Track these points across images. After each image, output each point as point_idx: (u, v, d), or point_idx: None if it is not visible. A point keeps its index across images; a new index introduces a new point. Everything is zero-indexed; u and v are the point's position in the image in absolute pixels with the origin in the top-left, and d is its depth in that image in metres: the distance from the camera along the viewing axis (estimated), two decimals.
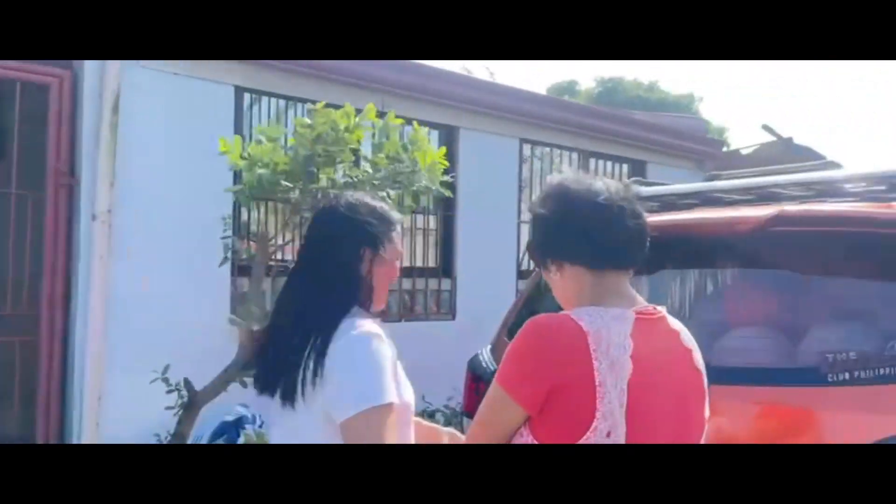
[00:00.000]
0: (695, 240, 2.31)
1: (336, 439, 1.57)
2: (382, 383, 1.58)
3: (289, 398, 1.62)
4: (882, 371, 1.90)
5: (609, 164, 7.95)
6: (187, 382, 3.83)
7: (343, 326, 1.64)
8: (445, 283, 6.18)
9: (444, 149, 3.95)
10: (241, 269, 4.84)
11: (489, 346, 2.92)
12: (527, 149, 7.01)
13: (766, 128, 9.41)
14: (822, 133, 60.15)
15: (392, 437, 1.56)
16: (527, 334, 1.41)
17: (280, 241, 4.12)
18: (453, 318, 6.19)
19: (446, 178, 3.90)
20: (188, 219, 4.67)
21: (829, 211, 2.21)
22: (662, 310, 1.49)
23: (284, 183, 3.40)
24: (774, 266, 2.22)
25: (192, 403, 3.88)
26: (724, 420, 2.06)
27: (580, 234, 1.47)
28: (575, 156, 7.55)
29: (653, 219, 2.54)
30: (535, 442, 1.38)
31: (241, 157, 3.40)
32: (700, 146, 8.92)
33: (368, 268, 1.73)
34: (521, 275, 6.89)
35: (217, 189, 4.17)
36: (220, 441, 4.10)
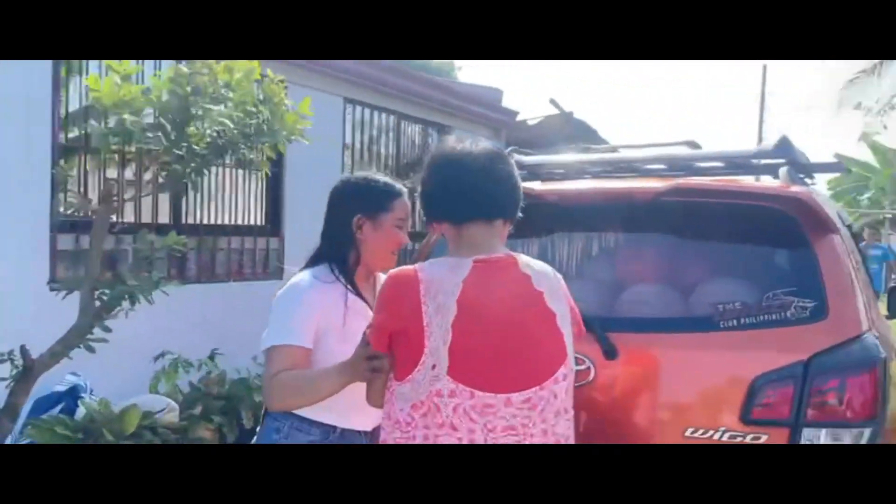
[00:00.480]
0: (597, 207, 2.59)
1: None
2: (272, 330, 1.92)
3: None
4: (761, 318, 2.32)
5: (420, 127, 8.21)
6: (24, 350, 3.44)
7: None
8: (274, 243, 6.05)
9: (307, 99, 3.87)
10: (70, 227, 4.38)
11: None
12: (350, 110, 7.01)
13: (553, 102, 10.27)
14: (600, 111, 67.81)
15: (265, 375, 1.89)
16: (382, 285, 1.72)
17: (125, 197, 3.81)
18: (281, 278, 6.07)
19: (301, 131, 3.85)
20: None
21: (716, 184, 2.61)
22: (520, 257, 1.70)
23: (156, 133, 3.16)
24: (668, 231, 2.57)
25: (27, 373, 3.49)
26: (633, 360, 2.38)
27: (439, 192, 1.70)
28: (393, 118, 7.69)
29: (554, 187, 2.81)
30: (395, 381, 1.65)
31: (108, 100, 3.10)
32: (498, 115, 9.48)
33: (365, 232, 2.03)
34: None
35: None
36: (56, 411, 3.74)
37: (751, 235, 2.47)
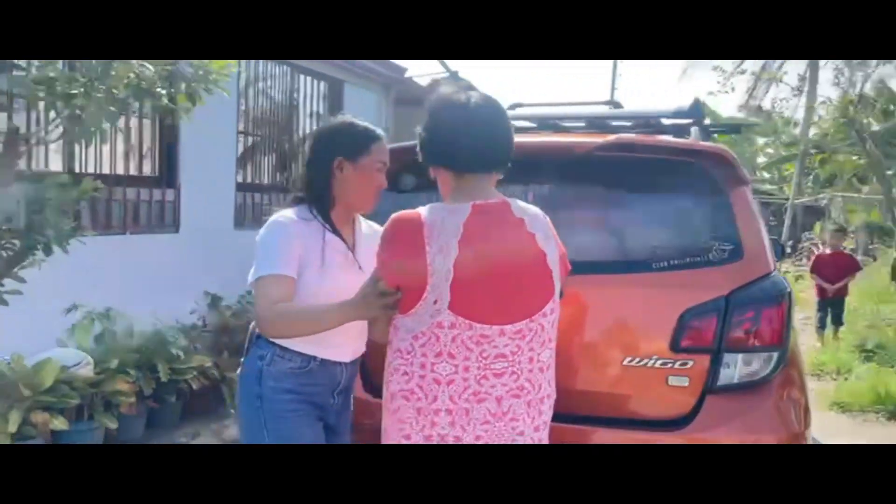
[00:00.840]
0: (541, 159, 2.77)
1: None
2: (260, 262, 2.00)
3: None
4: (687, 260, 2.60)
5: (313, 80, 8.10)
6: None
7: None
8: (170, 194, 5.84)
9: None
10: None
11: None
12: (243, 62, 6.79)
13: (442, 63, 10.45)
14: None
15: (262, 305, 1.95)
16: (386, 227, 1.80)
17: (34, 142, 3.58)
18: (177, 230, 5.90)
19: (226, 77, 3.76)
20: None
21: (648, 140, 2.86)
22: (514, 202, 1.88)
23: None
24: (605, 182, 2.80)
25: None
26: (578, 299, 2.61)
27: (446, 140, 1.83)
28: (288, 69, 7.55)
29: None
30: (399, 314, 1.78)
31: None
32: (389, 72, 9.48)
33: (346, 173, 2.11)
34: (240, 187, 6.78)
35: None
36: None
37: (677, 186, 2.74)
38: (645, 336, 2.59)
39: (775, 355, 2.53)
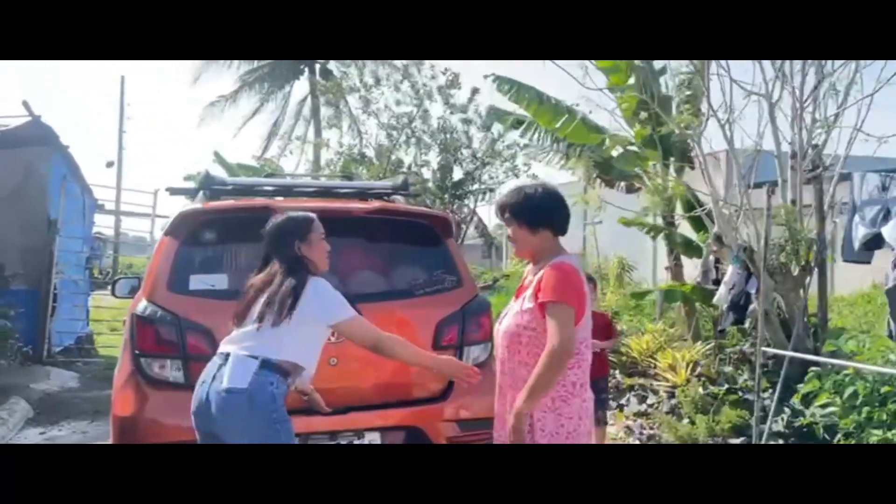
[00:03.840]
0: (326, 219, 3.78)
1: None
2: (341, 305, 3.03)
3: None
4: (434, 287, 3.89)
5: None
6: None
7: None
8: None
9: None
10: None
11: (145, 299, 3.54)
12: None
13: (25, 104, 10.03)
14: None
15: (377, 335, 3.14)
16: (566, 271, 2.69)
17: None
18: None
19: None
20: None
21: (400, 207, 4.07)
22: None
23: None
24: (373, 236, 3.92)
25: None
26: (370, 319, 3.66)
27: (556, 212, 2.82)
28: None
29: (290, 203, 3.86)
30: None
31: None
32: None
33: (304, 251, 3.07)
34: None
35: None
36: None
37: (420, 238, 4.03)
38: (416, 341, 3.77)
39: (489, 345, 3.98)
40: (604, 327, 5.07)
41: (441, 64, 12.54)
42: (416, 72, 12.30)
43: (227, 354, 2.87)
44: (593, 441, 3.08)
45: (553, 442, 2.68)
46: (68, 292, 10.78)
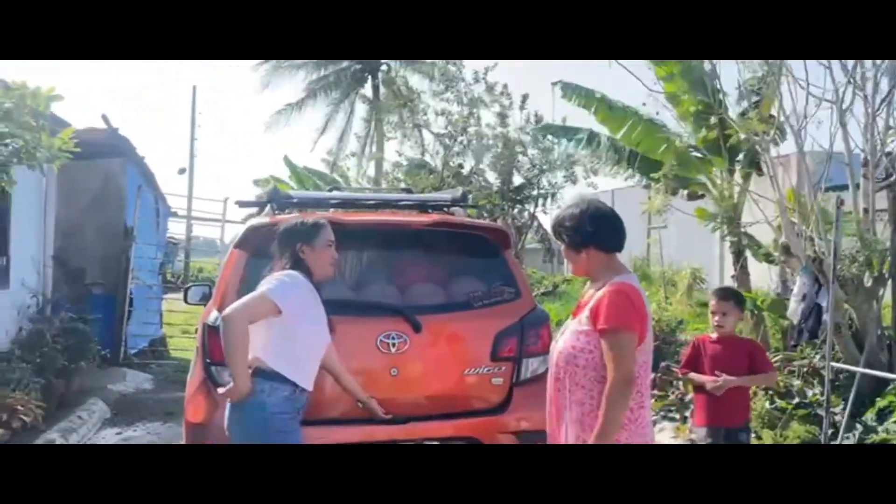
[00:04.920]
0: (387, 232, 3.88)
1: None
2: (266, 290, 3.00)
3: None
4: (493, 300, 3.93)
5: None
6: None
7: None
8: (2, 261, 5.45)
9: (69, 129, 4.05)
10: None
11: (216, 310, 3.68)
12: None
13: (104, 117, 10.46)
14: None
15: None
16: (624, 293, 2.59)
17: None
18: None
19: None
20: None
21: (460, 220, 4.14)
22: None
23: None
24: (433, 248, 3.99)
25: None
26: (429, 331, 3.72)
27: (599, 232, 2.72)
28: None
29: (359, 218, 3.97)
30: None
31: None
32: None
33: (307, 254, 3.13)
34: None
35: None
36: None
37: (476, 250, 4.08)
38: (475, 353, 3.83)
39: (546, 358, 3.99)
40: (746, 355, 3.95)
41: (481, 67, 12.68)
42: (460, 76, 12.49)
43: None
44: None
45: None
46: (143, 297, 11.22)
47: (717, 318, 3.99)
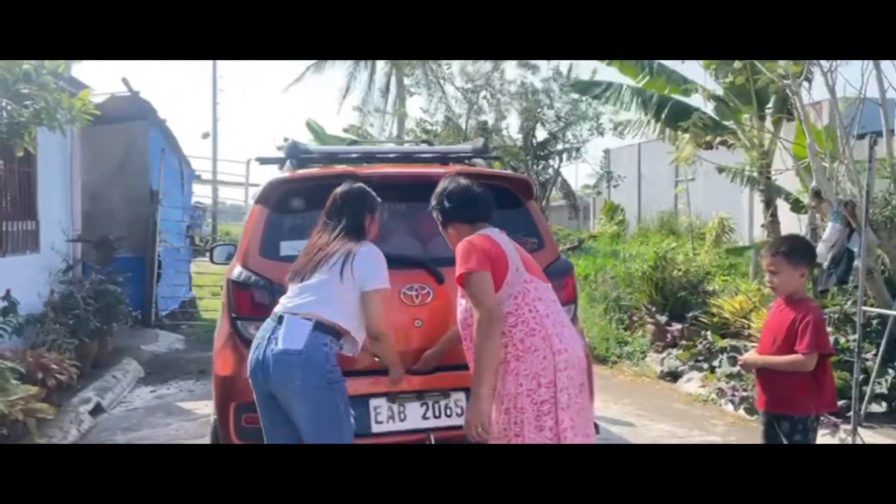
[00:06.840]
0: (408, 184, 3.83)
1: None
2: (378, 274, 3.12)
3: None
4: None
5: None
6: None
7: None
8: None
9: (87, 91, 4.05)
10: None
11: (239, 265, 3.70)
12: None
13: (125, 81, 10.46)
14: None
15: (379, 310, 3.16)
16: (469, 242, 2.97)
17: None
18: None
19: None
20: None
21: (481, 170, 4.08)
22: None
23: None
24: None
25: None
26: (451, 282, 3.71)
27: (462, 206, 3.10)
28: None
29: (376, 170, 3.93)
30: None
31: None
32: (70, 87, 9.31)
33: (368, 223, 3.25)
34: None
35: None
36: None
37: (501, 201, 4.02)
38: None
39: (573, 307, 3.96)
40: (788, 326, 3.16)
41: None
42: None
43: (282, 317, 3.01)
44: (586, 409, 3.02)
45: (515, 405, 2.82)
46: (171, 259, 11.36)
47: (767, 276, 3.38)
